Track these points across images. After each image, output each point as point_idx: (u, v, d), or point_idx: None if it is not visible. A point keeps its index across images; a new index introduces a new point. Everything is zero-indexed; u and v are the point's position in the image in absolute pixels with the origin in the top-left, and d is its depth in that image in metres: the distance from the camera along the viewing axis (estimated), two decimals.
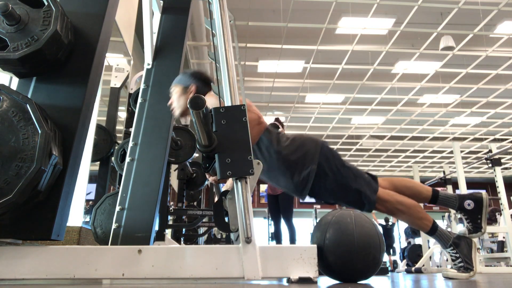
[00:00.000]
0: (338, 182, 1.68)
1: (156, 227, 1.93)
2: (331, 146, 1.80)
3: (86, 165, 2.78)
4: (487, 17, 6.42)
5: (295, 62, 8.07)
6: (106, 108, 3.23)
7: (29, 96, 1.28)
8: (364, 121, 10.82)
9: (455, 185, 4.77)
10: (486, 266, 5.00)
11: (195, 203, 5.13)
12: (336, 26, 6.92)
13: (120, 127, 3.31)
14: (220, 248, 1.21)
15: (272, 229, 6.13)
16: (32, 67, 1.27)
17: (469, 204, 1.79)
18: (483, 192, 1.83)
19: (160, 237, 2.65)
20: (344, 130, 11.49)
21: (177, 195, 4.05)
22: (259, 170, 1.29)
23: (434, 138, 11.95)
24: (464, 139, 11.83)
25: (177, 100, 1.89)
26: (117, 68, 3.36)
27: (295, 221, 4.73)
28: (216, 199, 4.18)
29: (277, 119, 4.45)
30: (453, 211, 5.11)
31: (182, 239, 4.52)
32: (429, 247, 5.30)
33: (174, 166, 3.82)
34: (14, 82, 1.86)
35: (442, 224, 9.60)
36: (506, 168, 13.95)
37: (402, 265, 7.59)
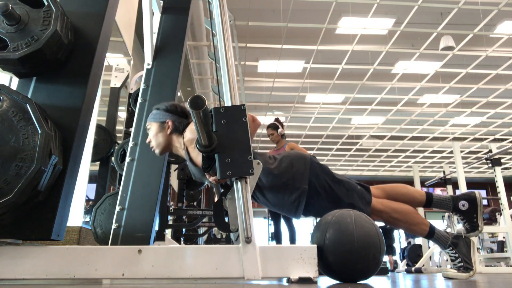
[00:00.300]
0: (330, 198, 1.66)
1: (156, 227, 1.93)
2: (320, 161, 1.77)
3: (86, 165, 2.78)
4: (487, 17, 6.42)
5: (295, 62, 8.07)
6: (106, 108, 3.23)
7: (29, 96, 1.28)
8: (364, 121, 10.82)
9: (455, 185, 4.77)
10: (486, 266, 5.00)
11: (195, 203, 5.13)
12: (336, 26, 6.92)
13: (120, 127, 3.31)
14: (220, 248, 1.21)
15: (272, 229, 6.13)
16: (32, 67, 1.27)
17: (463, 205, 1.79)
18: (476, 191, 1.83)
19: (160, 237, 2.65)
20: (344, 130, 11.49)
21: (177, 195, 4.05)
22: (259, 170, 1.29)
23: (434, 138, 11.95)
24: (464, 139, 11.83)
25: (154, 137, 1.75)
26: (117, 68, 3.36)
27: (295, 221, 4.72)
28: (216, 199, 4.17)
29: (277, 119, 4.45)
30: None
31: (182, 239, 4.52)
32: (429, 247, 5.30)
33: (174, 166, 3.82)
34: (14, 82, 1.86)
35: (442, 224, 9.60)
36: (506, 168, 13.96)
37: (402, 265, 7.59)
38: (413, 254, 7.63)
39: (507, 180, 7.75)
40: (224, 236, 6.39)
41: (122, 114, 3.58)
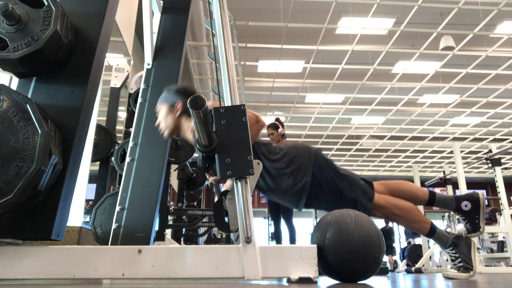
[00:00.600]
0: (333, 192, 1.66)
1: (156, 227, 1.93)
2: (325, 154, 1.78)
3: (86, 165, 2.78)
4: (487, 17, 6.42)
5: (295, 62, 8.07)
6: (106, 108, 3.23)
7: (29, 96, 1.28)
8: (364, 121, 10.82)
9: (455, 185, 4.77)
10: (486, 266, 5.00)
11: (195, 203, 5.13)
12: (336, 26, 6.92)
13: (120, 127, 3.31)
14: (220, 248, 1.21)
15: (272, 229, 6.13)
16: (32, 67, 1.27)
17: (466, 205, 1.79)
18: (480, 192, 1.83)
19: (160, 237, 2.65)
20: (344, 130, 11.49)
21: (177, 195, 4.05)
22: (259, 170, 1.29)
23: (434, 138, 11.95)
24: (464, 139, 11.83)
25: (164, 119, 1.77)
26: (117, 68, 3.36)
27: (295, 221, 4.72)
28: (216, 199, 4.17)
29: (277, 119, 4.45)
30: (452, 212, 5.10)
31: (182, 239, 4.52)
32: (429, 247, 5.31)
33: (174, 166, 3.82)
34: (14, 82, 1.86)
35: (442, 224, 9.61)
36: (506, 168, 13.96)
37: (402, 265, 7.59)
38: (413, 254, 7.63)
39: (507, 180, 7.75)
40: (224, 236, 6.39)
41: (122, 114, 3.58)
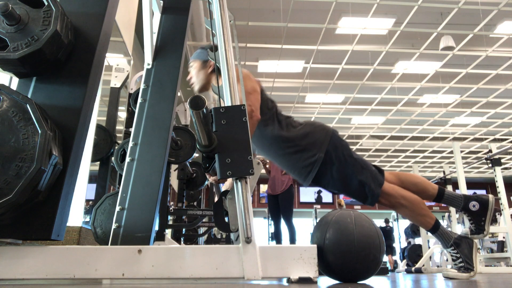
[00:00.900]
0: (343, 171, 1.68)
1: (156, 227, 1.93)
2: (341, 135, 1.82)
3: (86, 165, 2.78)
4: (487, 17, 6.42)
5: (295, 62, 8.07)
6: (106, 108, 3.23)
7: (29, 96, 1.28)
8: (364, 121, 10.82)
9: (455, 185, 4.77)
10: (486, 266, 5.00)
11: (195, 203, 5.13)
12: (336, 26, 6.92)
13: (120, 127, 3.31)
14: (220, 248, 1.21)
15: (272, 229, 6.13)
16: (32, 67, 1.27)
17: (474, 206, 1.78)
18: (490, 195, 1.83)
19: (160, 237, 2.65)
20: (344, 130, 11.49)
21: (177, 195, 4.05)
22: (259, 170, 1.29)
23: (434, 138, 11.95)
24: (464, 139, 11.83)
25: (196, 75, 1.91)
26: (117, 68, 3.36)
27: (295, 221, 4.73)
28: (216, 199, 4.18)
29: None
30: (453, 211, 5.11)
31: (182, 239, 4.52)
32: (429, 247, 5.31)
33: (174, 166, 3.82)
34: (14, 82, 1.86)
35: (442, 224, 9.59)
36: (506, 168, 13.96)
37: (402, 265, 7.59)
38: (413, 254, 7.63)
39: (507, 180, 7.75)
40: (224, 236, 6.39)
41: (122, 114, 3.58)
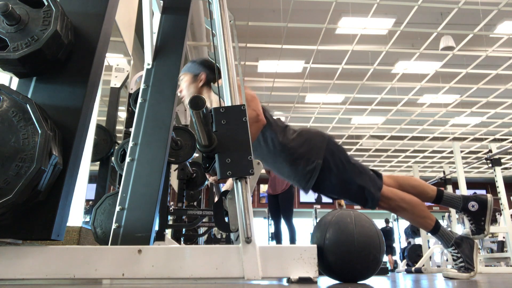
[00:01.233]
0: (342, 177, 1.69)
1: (156, 227, 1.93)
2: (338, 141, 1.82)
3: (86, 165, 2.78)
4: (487, 17, 6.42)
5: (295, 62, 8.07)
6: (106, 108, 3.23)
7: (29, 96, 1.28)
8: (364, 121, 10.82)
9: (455, 185, 4.78)
10: (486, 266, 5.00)
11: (195, 203, 5.12)
12: (336, 26, 6.92)
13: (120, 127, 3.31)
14: (220, 248, 1.21)
15: (272, 229, 6.13)
16: (32, 67, 1.27)
17: (473, 206, 1.78)
18: (489, 195, 1.83)
19: (160, 237, 2.65)
20: (344, 130, 11.49)
21: (177, 195, 4.05)
22: (259, 170, 1.29)
23: (434, 138, 11.95)
24: (464, 139, 11.83)
25: (186, 88, 1.90)
26: (117, 68, 3.36)
27: (295, 221, 4.73)
28: (216, 199, 4.18)
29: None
30: (453, 212, 5.12)
31: (182, 239, 4.52)
32: (429, 247, 5.31)
33: (174, 166, 3.82)
34: (14, 82, 1.86)
35: (442, 224, 9.59)
36: (506, 168, 13.95)
37: (402, 265, 7.59)
38: (413, 254, 7.63)
39: (507, 180, 7.75)
40: (224, 236, 6.39)
41: (122, 114, 3.58)
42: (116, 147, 2.66)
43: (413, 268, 4.84)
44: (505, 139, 11.95)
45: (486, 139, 11.70)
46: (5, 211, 1.05)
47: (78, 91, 1.32)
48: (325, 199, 15.06)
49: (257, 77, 8.72)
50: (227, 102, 1.34)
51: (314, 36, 6.99)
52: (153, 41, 2.24)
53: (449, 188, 5.50)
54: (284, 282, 1.41)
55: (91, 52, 1.37)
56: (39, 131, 1.09)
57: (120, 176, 2.21)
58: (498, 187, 4.35)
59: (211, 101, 1.82)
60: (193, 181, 4.13)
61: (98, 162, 3.00)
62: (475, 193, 1.99)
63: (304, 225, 11.49)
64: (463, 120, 10.60)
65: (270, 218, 9.70)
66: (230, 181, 2.89)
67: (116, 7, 1.58)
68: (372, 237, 1.28)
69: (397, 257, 10.07)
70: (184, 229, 4.73)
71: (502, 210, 4.32)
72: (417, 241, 8.52)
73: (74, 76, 1.34)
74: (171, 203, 3.93)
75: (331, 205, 14.22)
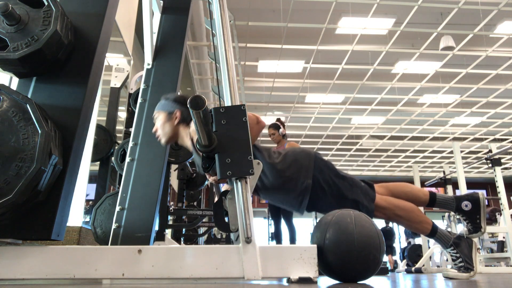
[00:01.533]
0: (334, 194, 1.66)
1: (156, 227, 1.93)
2: (324, 157, 1.78)
3: (86, 165, 2.78)
4: (487, 17, 6.42)
5: (295, 62, 8.07)
6: (106, 108, 3.23)
7: (29, 96, 1.28)
8: (364, 121, 10.82)
9: (455, 185, 4.77)
10: (486, 266, 5.00)
11: (195, 203, 5.13)
12: (336, 26, 6.92)
13: (120, 127, 3.31)
14: (220, 248, 1.21)
15: (272, 229, 6.13)
16: (32, 67, 1.27)
17: (466, 205, 1.78)
18: (480, 192, 1.83)
19: (160, 237, 2.65)
20: (344, 130, 11.49)
21: (177, 195, 4.05)
22: (259, 170, 1.29)
23: (434, 138, 11.95)
24: (464, 139, 11.83)
25: (161, 127, 1.78)
26: (117, 68, 3.36)
27: (295, 221, 4.72)
28: (216, 199, 4.18)
29: (278, 120, 4.46)
30: (452, 212, 5.11)
31: (182, 239, 4.52)
32: (429, 247, 5.31)
33: (174, 166, 3.82)
34: (14, 82, 1.86)
35: (442, 224, 9.61)
36: (506, 168, 13.96)
37: (402, 265, 7.59)
38: (413, 254, 7.64)
39: (507, 180, 7.75)
40: (224, 236, 6.39)
41: (122, 114, 3.58)
42: (116, 147, 2.66)
43: (413, 268, 4.84)
44: (505, 139, 11.95)
45: (486, 139, 11.70)
46: (5, 211, 1.05)
47: (78, 91, 1.32)
48: None
49: (257, 77, 8.72)
50: (227, 102, 1.34)
51: (314, 36, 6.99)
52: (153, 41, 2.24)
53: (449, 188, 5.50)
54: (284, 282, 1.41)
55: (91, 52, 1.37)
56: (39, 131, 1.09)
57: (120, 176, 2.21)
58: (498, 187, 4.35)
59: (190, 137, 1.75)
60: (193, 181, 4.14)
61: (98, 162, 3.00)
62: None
63: (304, 225, 11.49)
64: (463, 120, 10.60)
65: (270, 218, 9.70)
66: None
67: (116, 7, 1.58)
68: (372, 237, 1.28)
69: (397, 257, 10.07)
70: (184, 229, 4.73)
71: (502, 210, 4.32)
72: (417, 241, 8.52)
73: (74, 76, 1.34)
74: (171, 203, 3.93)
75: None
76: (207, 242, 6.38)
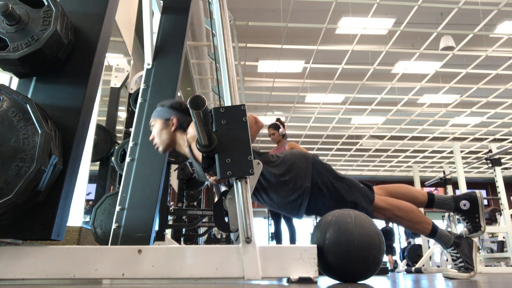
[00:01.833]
0: (333, 196, 1.65)
1: (156, 227, 1.93)
2: (322, 159, 1.77)
3: (86, 165, 2.78)
4: (487, 17, 6.42)
5: (295, 62, 8.07)
6: (106, 108, 3.23)
7: (29, 96, 1.28)
8: (364, 121, 10.82)
9: (455, 185, 4.77)
10: (486, 266, 5.00)
11: (195, 203, 5.13)
12: (336, 26, 6.92)
13: (120, 127, 3.31)
14: (220, 248, 1.21)
15: (272, 229, 6.13)
16: (32, 67, 1.27)
17: (464, 205, 1.78)
18: (477, 191, 1.83)
19: (160, 237, 2.65)
20: (344, 130, 11.49)
21: (177, 195, 4.05)
22: (259, 170, 1.29)
23: (434, 138, 11.95)
24: (464, 139, 11.83)
25: (158, 135, 1.75)
26: (117, 68, 3.36)
27: (295, 221, 4.72)
28: (216, 199, 4.18)
29: (278, 120, 4.46)
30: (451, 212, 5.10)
31: (182, 239, 4.52)
32: (429, 247, 5.31)
33: (174, 166, 3.82)
34: (14, 82, 1.86)
35: (442, 224, 9.61)
36: (506, 168, 13.96)
37: (402, 265, 7.59)
38: (413, 254, 7.64)
39: (507, 180, 7.76)
40: (224, 236, 6.39)
41: (122, 114, 3.58)
42: (116, 147, 2.66)
43: (413, 268, 4.84)
44: (505, 139, 11.94)
45: (486, 139, 11.70)
46: (5, 211, 1.05)
47: (78, 91, 1.32)
48: None
49: (257, 77, 8.72)
50: (227, 102, 1.33)
51: (314, 36, 6.99)
52: (153, 41, 2.24)
53: (449, 188, 5.50)
54: (284, 282, 1.41)
55: (91, 52, 1.37)
56: (39, 131, 1.09)
57: (120, 176, 2.21)
58: (498, 187, 4.35)
59: (187, 144, 1.72)
60: (193, 181, 4.14)
61: (98, 162, 3.00)
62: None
63: (304, 225, 11.49)
64: (463, 120, 10.60)
65: (270, 218, 9.70)
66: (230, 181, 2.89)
67: (116, 7, 1.58)
68: (372, 237, 1.28)
69: (397, 257, 10.07)
70: (184, 229, 4.73)
71: (502, 210, 4.32)
72: (417, 241, 8.52)
73: (74, 76, 1.34)
74: (171, 203, 3.93)
75: None
76: (207, 242, 6.38)
